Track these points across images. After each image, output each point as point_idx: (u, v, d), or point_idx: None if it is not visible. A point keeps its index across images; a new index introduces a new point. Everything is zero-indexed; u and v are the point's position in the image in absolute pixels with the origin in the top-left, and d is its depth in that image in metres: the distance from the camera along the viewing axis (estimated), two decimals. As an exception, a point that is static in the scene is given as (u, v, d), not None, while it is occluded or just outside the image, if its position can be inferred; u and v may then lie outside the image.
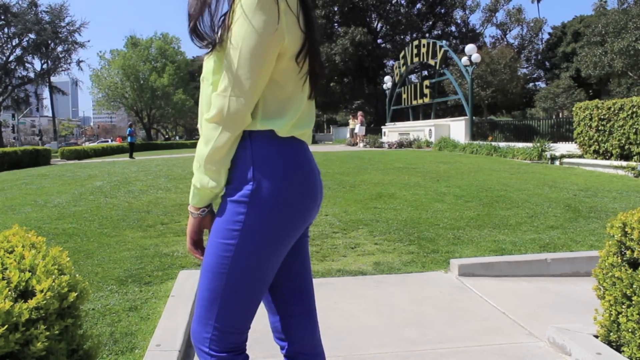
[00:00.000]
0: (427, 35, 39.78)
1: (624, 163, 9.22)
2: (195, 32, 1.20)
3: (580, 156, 11.10)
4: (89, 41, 47.23)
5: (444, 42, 26.43)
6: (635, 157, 9.40)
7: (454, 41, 43.51)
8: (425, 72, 30.12)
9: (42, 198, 6.84)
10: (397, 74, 25.21)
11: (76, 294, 1.30)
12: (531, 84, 43.78)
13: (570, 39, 40.03)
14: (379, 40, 42.04)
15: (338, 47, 35.25)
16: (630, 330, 2.08)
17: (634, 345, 2.07)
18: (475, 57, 18.24)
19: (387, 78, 27.53)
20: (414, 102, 22.77)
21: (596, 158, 10.47)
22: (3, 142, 41.46)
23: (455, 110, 35.03)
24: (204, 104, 1.23)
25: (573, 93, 33.71)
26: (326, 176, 8.09)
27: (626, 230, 2.14)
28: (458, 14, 45.67)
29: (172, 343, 2.31)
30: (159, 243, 4.31)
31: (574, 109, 11.73)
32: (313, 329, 1.43)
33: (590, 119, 10.71)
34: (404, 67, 24.20)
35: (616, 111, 9.92)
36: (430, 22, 44.32)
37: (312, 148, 1.66)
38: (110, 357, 2.27)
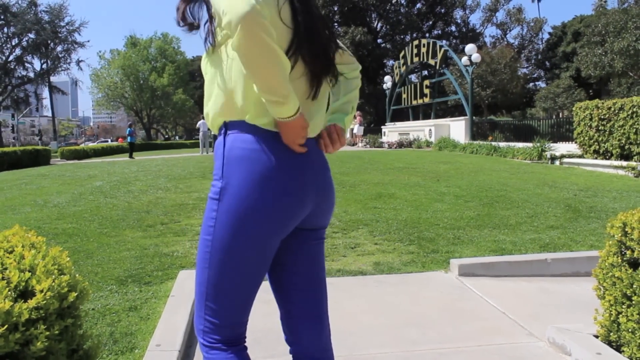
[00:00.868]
0: (427, 35, 39.81)
1: (624, 163, 9.22)
2: (183, 20, 1.27)
3: (581, 156, 11.10)
4: (88, 41, 47.25)
5: (444, 41, 26.49)
6: (636, 157, 9.40)
7: (454, 41, 43.55)
8: (425, 72, 30.09)
9: (41, 198, 6.84)
10: (397, 74, 25.20)
11: (76, 294, 1.30)
12: (531, 84, 43.79)
13: (570, 38, 40.03)
14: (379, 40, 42.06)
15: (338, 47, 35.18)
16: (630, 330, 2.08)
17: (634, 346, 2.07)
18: (476, 57, 18.24)
19: (387, 78, 27.53)
20: (414, 102, 22.76)
21: (596, 158, 10.47)
22: (3, 142, 41.44)
23: (455, 110, 35.03)
24: (206, 95, 1.30)
25: (573, 93, 33.72)
26: (326, 176, 8.08)
27: (626, 230, 2.14)
28: (458, 13, 45.74)
29: (172, 343, 2.30)
30: (159, 243, 4.31)
31: (574, 108, 11.73)
32: (318, 333, 1.40)
33: (591, 119, 10.70)
34: (404, 67, 24.19)
35: (616, 111, 9.92)
36: (430, 22, 44.35)
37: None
38: (110, 357, 2.27)
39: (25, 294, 1.20)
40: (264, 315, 2.46)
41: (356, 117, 22.31)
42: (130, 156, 19.58)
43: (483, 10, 45.83)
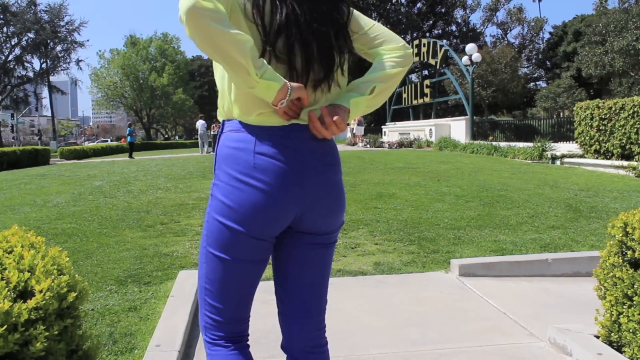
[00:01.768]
0: (427, 34, 39.81)
1: (625, 163, 9.22)
2: None
3: (581, 156, 11.10)
4: (88, 40, 47.27)
5: (445, 41, 26.46)
6: (637, 157, 9.40)
7: (455, 40, 43.56)
8: (425, 72, 30.09)
9: (41, 198, 6.83)
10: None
11: (75, 294, 1.29)
12: (532, 84, 43.79)
13: (571, 38, 40.01)
14: (379, 40, 41.97)
15: (338, 47, 35.18)
16: (631, 330, 2.08)
17: (635, 346, 2.06)
18: (476, 56, 18.23)
19: (387, 78, 27.45)
20: (415, 102, 22.75)
21: (597, 158, 10.47)
22: (2, 142, 41.48)
23: (455, 110, 35.03)
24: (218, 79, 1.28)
25: (574, 92, 33.70)
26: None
27: (627, 230, 2.14)
28: (458, 13, 45.73)
29: (171, 343, 2.30)
30: (159, 243, 4.30)
31: (574, 108, 11.73)
32: (305, 333, 1.37)
33: (591, 119, 10.70)
34: (404, 66, 24.13)
35: (617, 111, 9.91)
36: (431, 22, 44.35)
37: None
38: (110, 358, 2.26)
39: (24, 294, 1.20)
40: (264, 316, 2.46)
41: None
42: (130, 156, 19.59)
43: (483, 9, 45.88)
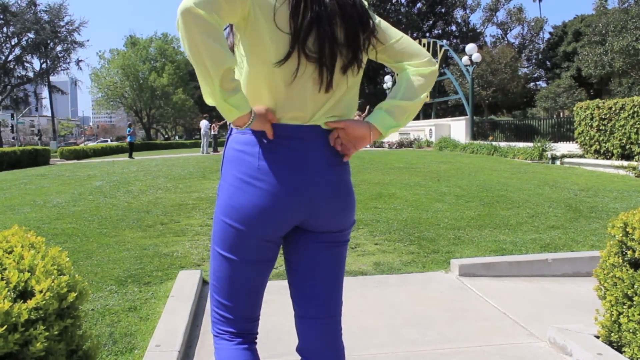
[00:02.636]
0: (427, 34, 39.78)
1: (625, 163, 9.22)
2: None
3: (581, 156, 11.10)
4: (88, 40, 47.30)
5: (445, 41, 26.44)
6: (637, 157, 9.40)
7: (455, 40, 43.54)
8: (425, 72, 29.98)
9: (41, 198, 6.83)
10: (397, 73, 25.17)
11: (75, 294, 1.29)
12: (532, 84, 43.78)
13: (571, 38, 40.01)
14: (379, 40, 41.98)
15: (338, 47, 35.20)
16: (631, 330, 2.08)
17: (635, 346, 2.06)
18: (476, 56, 18.23)
19: (387, 77, 27.47)
20: (414, 102, 22.71)
21: (597, 158, 10.47)
22: (2, 142, 41.45)
23: (455, 110, 35.03)
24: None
25: (574, 92, 33.70)
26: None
27: (627, 230, 2.14)
28: (458, 13, 45.70)
29: (171, 343, 2.30)
30: (159, 243, 4.30)
31: (574, 108, 11.73)
32: (320, 335, 1.37)
33: (591, 119, 10.70)
34: (405, 66, 24.15)
35: (617, 111, 9.91)
36: (431, 22, 44.33)
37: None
38: (110, 358, 2.26)
39: (24, 294, 1.20)
40: (264, 316, 2.43)
41: (355, 116, 22.30)
42: (130, 156, 19.58)
43: (483, 9, 45.86)
